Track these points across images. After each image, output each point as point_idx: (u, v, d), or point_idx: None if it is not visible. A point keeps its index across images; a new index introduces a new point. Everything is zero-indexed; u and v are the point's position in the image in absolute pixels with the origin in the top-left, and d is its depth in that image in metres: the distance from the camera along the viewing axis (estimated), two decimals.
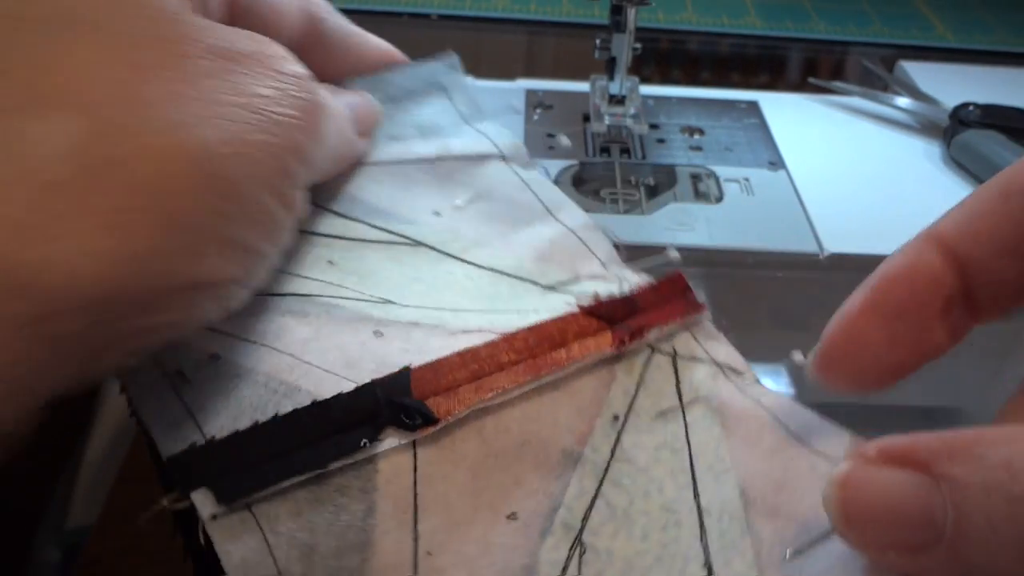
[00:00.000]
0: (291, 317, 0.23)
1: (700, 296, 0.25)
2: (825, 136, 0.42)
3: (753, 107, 0.44)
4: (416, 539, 0.20)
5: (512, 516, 0.20)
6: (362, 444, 0.20)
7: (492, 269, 0.26)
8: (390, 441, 0.20)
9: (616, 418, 0.22)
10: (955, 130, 0.40)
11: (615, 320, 0.24)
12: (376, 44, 0.30)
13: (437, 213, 0.28)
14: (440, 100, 0.32)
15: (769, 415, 0.22)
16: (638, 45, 0.38)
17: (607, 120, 0.39)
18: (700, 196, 0.37)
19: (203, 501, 0.19)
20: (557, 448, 0.22)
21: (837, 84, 0.46)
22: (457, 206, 0.28)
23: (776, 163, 0.39)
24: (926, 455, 0.15)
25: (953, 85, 0.46)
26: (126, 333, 0.18)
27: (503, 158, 0.30)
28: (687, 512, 0.20)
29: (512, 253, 0.27)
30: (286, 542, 0.19)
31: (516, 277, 0.26)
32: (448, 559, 0.19)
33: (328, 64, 0.28)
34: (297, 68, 0.22)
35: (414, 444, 0.21)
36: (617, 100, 0.39)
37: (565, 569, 0.20)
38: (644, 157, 0.39)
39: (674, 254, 0.27)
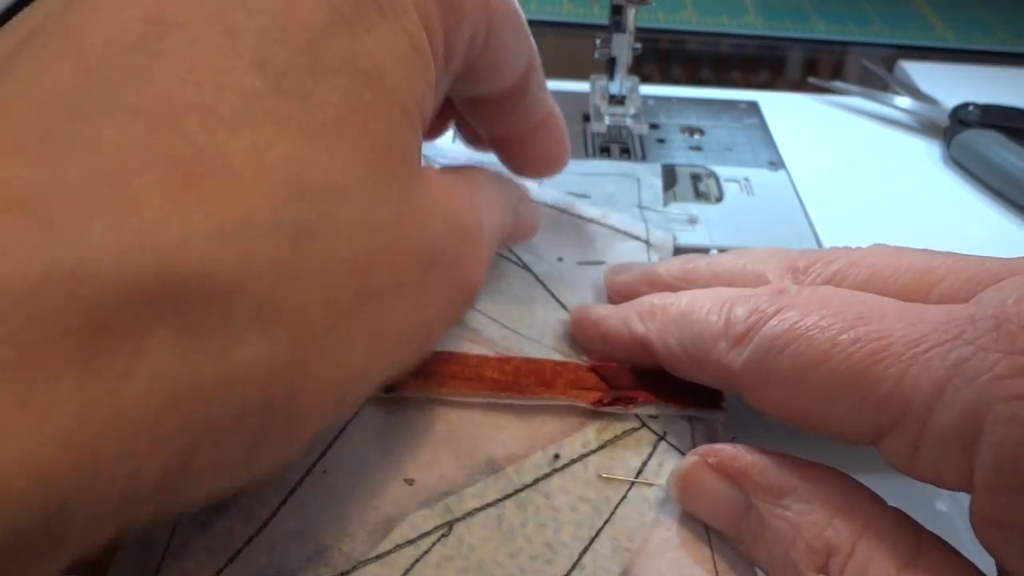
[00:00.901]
0: None
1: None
2: (825, 136, 0.42)
3: (753, 107, 0.44)
4: (323, 454, 0.22)
5: (409, 481, 0.22)
6: None
7: (569, 311, 0.27)
8: None
9: (557, 457, 0.23)
10: (955, 130, 0.40)
11: (617, 385, 0.24)
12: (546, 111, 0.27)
13: (560, 259, 0.30)
14: (628, 183, 0.35)
15: (707, 537, 0.21)
16: (638, 45, 0.38)
17: (607, 120, 0.39)
18: (700, 196, 0.37)
19: None
20: (484, 454, 0.23)
21: (837, 84, 0.46)
22: (581, 262, 0.30)
23: (776, 163, 0.39)
24: (749, 486, 0.20)
25: (953, 85, 0.46)
26: None
27: (647, 244, 0.31)
28: (565, 558, 0.20)
29: None
30: None
31: None
32: (336, 484, 0.21)
33: (513, 119, 0.26)
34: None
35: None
36: (617, 100, 0.39)
37: (422, 536, 0.21)
38: (644, 157, 0.39)
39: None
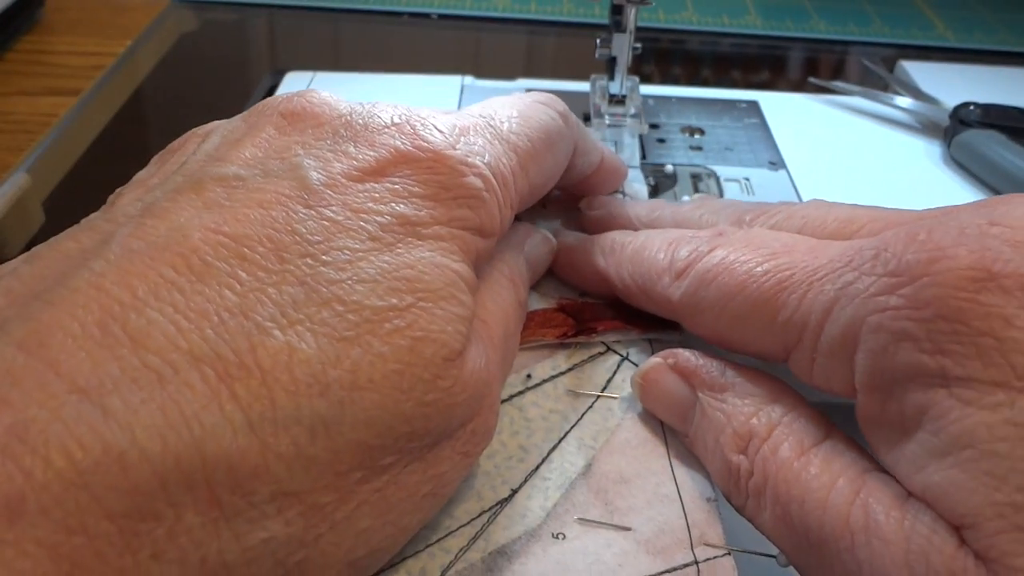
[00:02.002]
0: None
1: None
2: (825, 136, 0.42)
3: (753, 107, 0.44)
4: None
5: None
6: None
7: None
8: None
9: (529, 377, 0.25)
10: (955, 130, 0.40)
11: (582, 320, 0.27)
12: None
13: (544, 206, 0.32)
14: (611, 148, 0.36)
15: (663, 436, 0.24)
16: (638, 45, 0.38)
17: (607, 120, 0.39)
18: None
19: None
20: None
21: (837, 84, 0.46)
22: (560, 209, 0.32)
23: (776, 163, 0.39)
24: (697, 382, 0.23)
25: (953, 85, 0.46)
26: None
27: (623, 195, 0.34)
28: (535, 456, 0.23)
29: None
30: None
31: None
32: None
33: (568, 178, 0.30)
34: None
35: None
36: (617, 100, 0.39)
37: None
38: (644, 157, 0.39)
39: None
